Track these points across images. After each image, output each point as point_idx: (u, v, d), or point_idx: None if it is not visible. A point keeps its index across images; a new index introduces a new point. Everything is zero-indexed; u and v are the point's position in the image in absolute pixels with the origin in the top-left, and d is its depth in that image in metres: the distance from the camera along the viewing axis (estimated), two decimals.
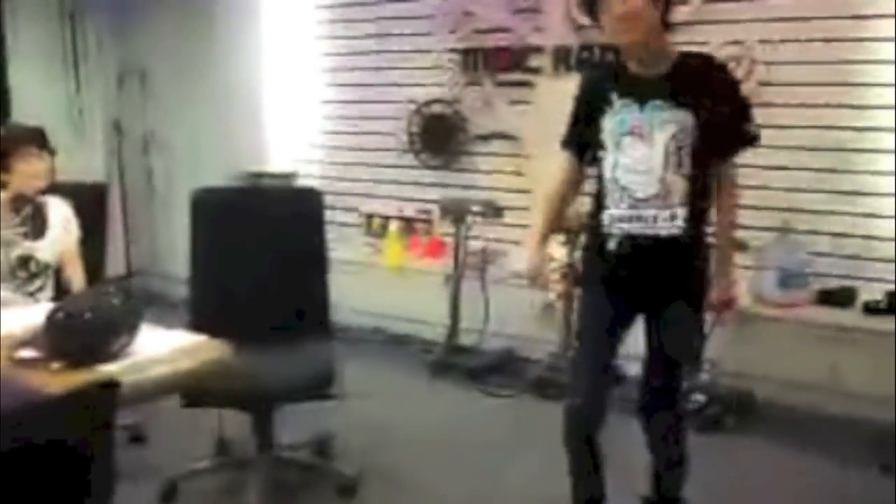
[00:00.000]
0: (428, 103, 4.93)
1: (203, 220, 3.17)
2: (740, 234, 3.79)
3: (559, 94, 3.06)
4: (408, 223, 5.06)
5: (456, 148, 4.90)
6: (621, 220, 2.46)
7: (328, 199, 3.39)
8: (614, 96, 2.45)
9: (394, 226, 5.04)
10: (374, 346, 4.77)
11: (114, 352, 2.03)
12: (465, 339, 4.51)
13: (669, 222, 2.41)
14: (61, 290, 3.22)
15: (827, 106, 3.84)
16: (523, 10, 4.59)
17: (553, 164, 2.73)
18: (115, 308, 2.12)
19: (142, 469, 3.04)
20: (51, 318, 2.04)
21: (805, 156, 3.91)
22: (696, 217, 2.45)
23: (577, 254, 3.49)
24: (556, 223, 2.76)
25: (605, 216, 2.50)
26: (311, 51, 5.37)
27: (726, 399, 3.75)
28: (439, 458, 3.43)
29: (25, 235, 3.19)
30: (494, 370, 4.32)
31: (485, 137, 4.82)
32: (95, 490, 1.42)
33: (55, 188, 3.31)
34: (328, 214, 3.34)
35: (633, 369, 2.78)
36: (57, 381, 1.84)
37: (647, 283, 2.50)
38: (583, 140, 2.58)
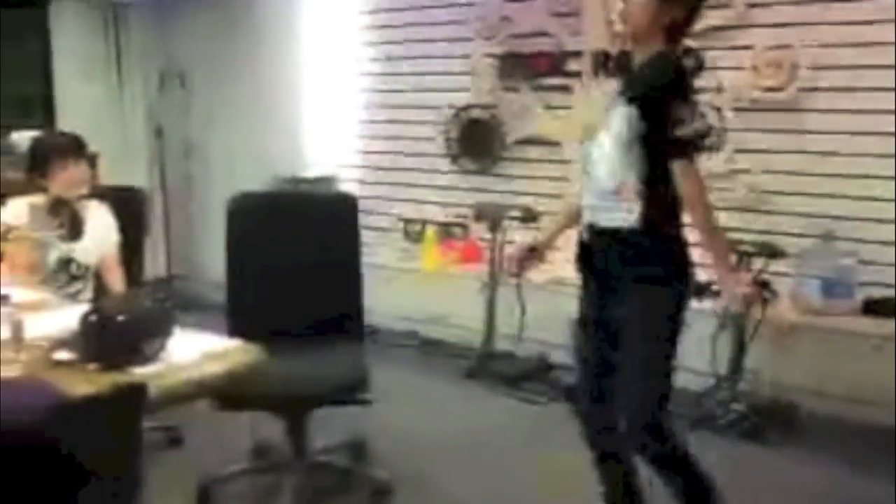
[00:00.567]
0: (466, 108, 4.93)
1: (239, 225, 3.20)
2: (776, 240, 3.79)
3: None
4: (444, 228, 5.06)
5: (493, 153, 4.89)
6: (591, 210, 2.50)
7: (365, 204, 3.40)
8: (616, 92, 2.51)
9: (430, 230, 5.04)
10: (408, 351, 4.77)
11: (147, 355, 2.04)
12: (501, 345, 4.49)
13: (627, 214, 2.40)
14: (101, 295, 3.25)
15: (872, 112, 3.76)
16: (561, 15, 4.57)
17: None
18: (148, 311, 2.13)
19: (179, 471, 3.07)
20: (84, 320, 2.06)
21: (849, 162, 3.83)
22: (657, 212, 2.40)
23: None
24: (569, 221, 2.75)
25: (584, 209, 2.55)
26: (349, 56, 5.39)
27: (768, 410, 3.68)
28: (471, 464, 3.41)
29: (65, 238, 3.23)
30: (529, 376, 4.29)
31: (522, 142, 4.81)
32: (122, 492, 1.42)
33: (97, 193, 3.36)
34: (365, 219, 3.34)
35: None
36: (90, 383, 1.85)
37: (609, 275, 2.49)
38: None
